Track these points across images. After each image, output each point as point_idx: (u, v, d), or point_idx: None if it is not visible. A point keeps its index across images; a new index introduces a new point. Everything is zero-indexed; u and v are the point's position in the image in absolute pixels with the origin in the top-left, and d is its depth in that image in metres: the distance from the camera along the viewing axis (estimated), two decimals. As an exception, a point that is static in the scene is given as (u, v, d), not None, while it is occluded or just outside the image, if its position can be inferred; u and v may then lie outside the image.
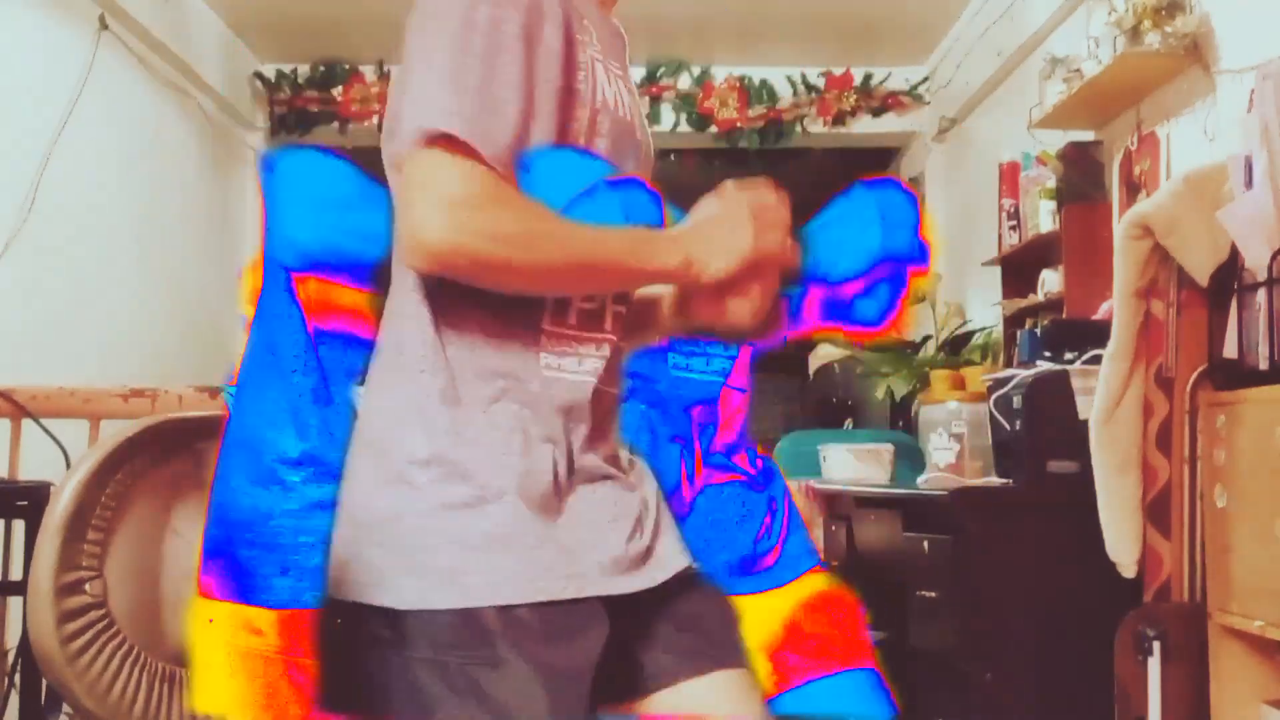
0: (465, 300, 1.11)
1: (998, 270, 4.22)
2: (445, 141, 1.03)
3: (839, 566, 3.59)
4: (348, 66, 5.47)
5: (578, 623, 1.08)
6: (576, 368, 1.15)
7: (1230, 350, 2.26)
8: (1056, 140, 3.77)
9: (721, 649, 1.22)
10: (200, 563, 1.14)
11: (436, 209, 1.02)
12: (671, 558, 1.20)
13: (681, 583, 1.20)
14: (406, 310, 1.14)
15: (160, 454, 1.74)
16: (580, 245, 1.08)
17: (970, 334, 4.38)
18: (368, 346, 1.19)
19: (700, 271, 1.12)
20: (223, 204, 5.34)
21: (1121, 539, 2.37)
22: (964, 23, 4.92)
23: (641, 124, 1.24)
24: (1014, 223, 4.06)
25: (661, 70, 5.33)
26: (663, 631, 1.19)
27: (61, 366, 3.54)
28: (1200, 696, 2.21)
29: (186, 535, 1.79)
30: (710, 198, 1.17)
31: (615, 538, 1.14)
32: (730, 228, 1.14)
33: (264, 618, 1.10)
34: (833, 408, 6.33)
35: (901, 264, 1.27)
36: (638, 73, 5.25)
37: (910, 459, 3.69)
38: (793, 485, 4.05)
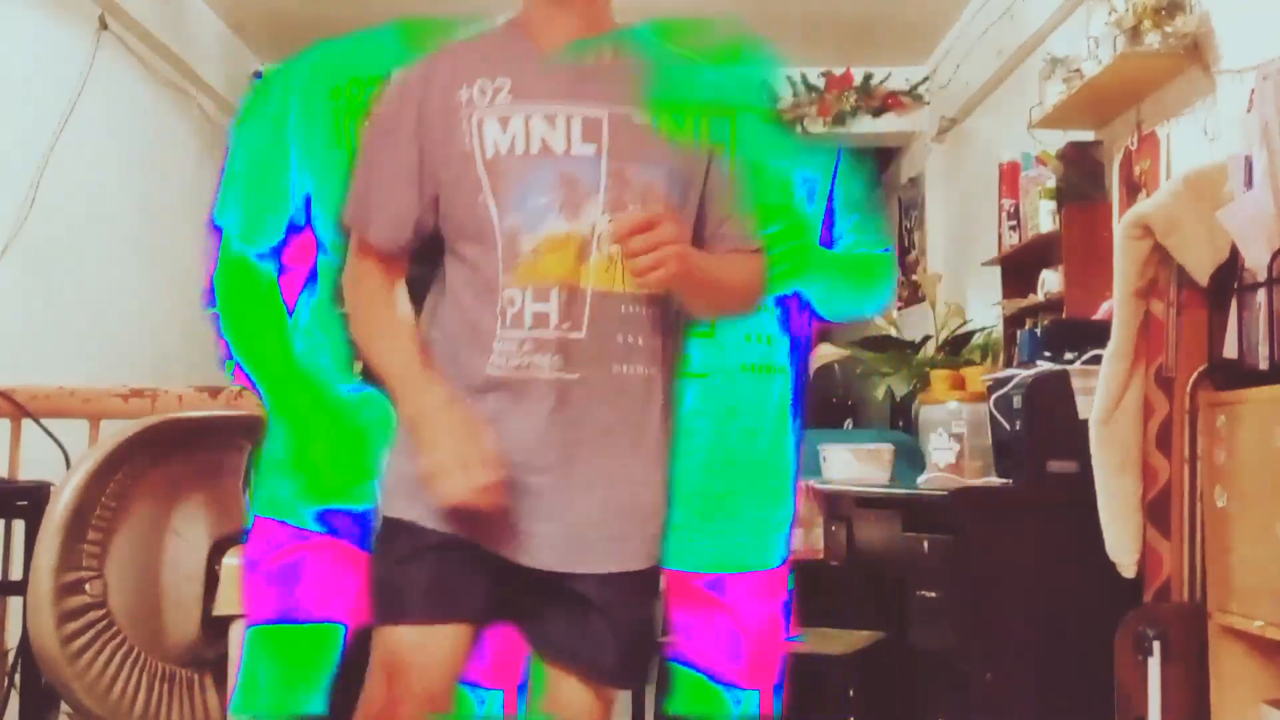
0: None
1: (998, 270, 4.22)
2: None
3: (839, 566, 3.59)
4: (348, 66, 5.47)
5: None
6: None
7: (1230, 350, 2.26)
8: (1056, 140, 3.77)
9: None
10: None
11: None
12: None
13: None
14: None
15: (160, 454, 1.74)
16: (366, 341, 1.57)
17: (970, 334, 4.38)
18: None
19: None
20: (223, 204, 5.34)
21: (1121, 539, 2.37)
22: (964, 23, 4.92)
23: (575, 138, 1.48)
24: (1014, 223, 4.06)
25: (661, 70, 5.32)
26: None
27: (61, 366, 3.54)
28: (1200, 696, 2.21)
29: (186, 535, 1.79)
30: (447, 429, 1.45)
31: None
32: (429, 447, 1.44)
33: None
34: (833, 408, 6.34)
35: None
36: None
37: (910, 459, 3.69)
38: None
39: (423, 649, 1.44)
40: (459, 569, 1.47)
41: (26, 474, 2.19)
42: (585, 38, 1.52)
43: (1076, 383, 2.63)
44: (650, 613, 1.60)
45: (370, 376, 1.65)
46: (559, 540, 1.48)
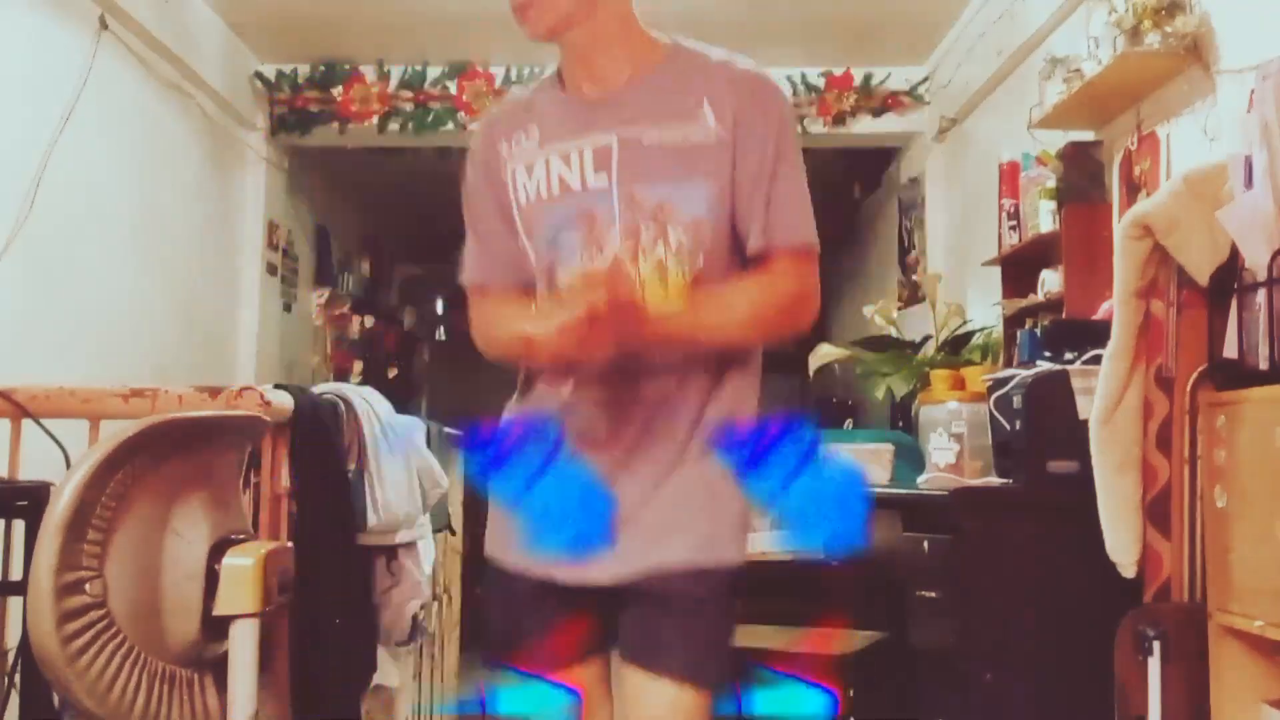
0: None
1: (998, 270, 4.21)
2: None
3: (839, 566, 3.59)
4: (348, 66, 5.47)
5: None
6: None
7: (1230, 350, 2.26)
8: (1056, 140, 3.76)
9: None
10: None
11: None
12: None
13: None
14: None
15: (160, 454, 1.74)
16: (497, 338, 1.61)
17: (970, 334, 4.38)
18: None
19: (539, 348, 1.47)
20: (223, 204, 5.34)
21: (1121, 539, 2.37)
22: (964, 23, 4.92)
23: (589, 170, 1.53)
24: (1014, 223, 4.06)
25: (661, 70, 5.32)
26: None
27: (61, 366, 3.53)
28: (1200, 696, 2.21)
29: (186, 535, 1.79)
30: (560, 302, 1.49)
31: None
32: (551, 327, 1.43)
33: None
34: (833, 408, 6.34)
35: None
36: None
37: (910, 459, 3.68)
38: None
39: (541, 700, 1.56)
40: (553, 622, 1.57)
41: (26, 474, 2.18)
42: (609, 80, 1.58)
43: (1076, 383, 2.63)
44: (719, 609, 1.56)
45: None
46: (622, 550, 1.52)
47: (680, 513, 1.53)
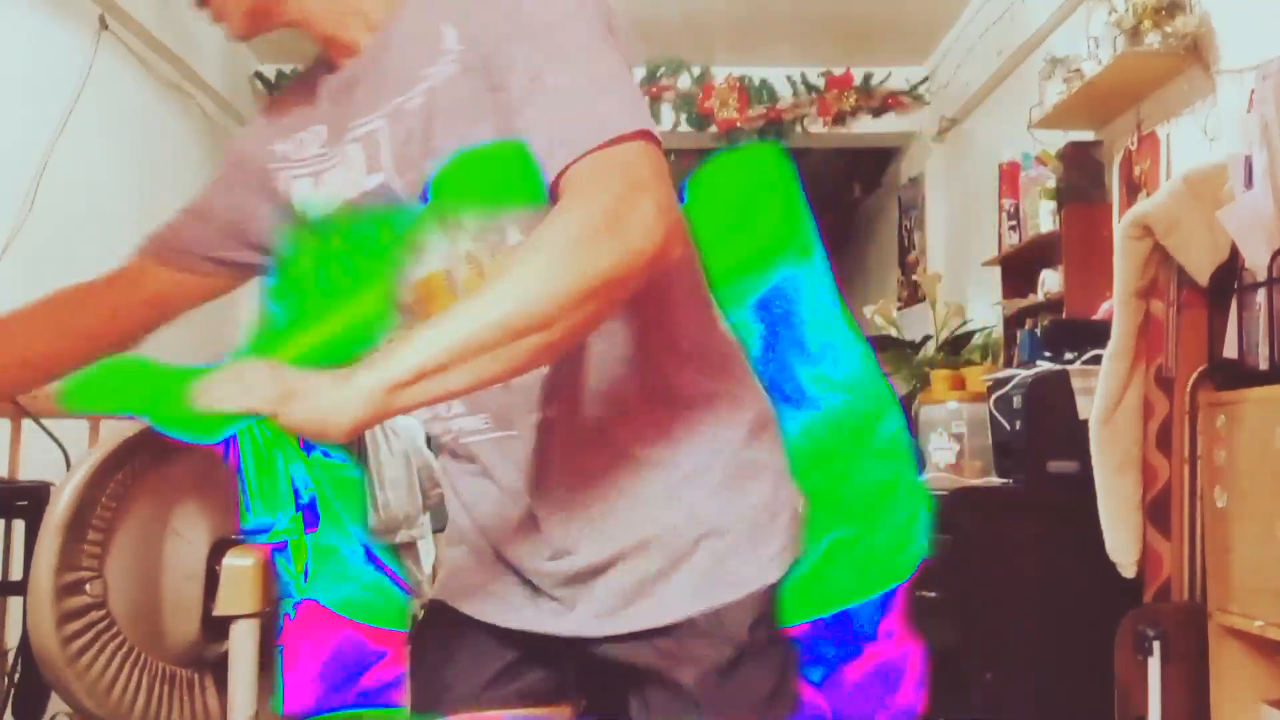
0: None
1: (998, 270, 4.22)
2: None
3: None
4: (348, 66, 5.48)
5: None
6: None
7: (1230, 350, 2.26)
8: (1056, 140, 3.77)
9: None
10: None
11: None
12: None
13: None
14: None
15: (160, 454, 1.74)
16: None
17: (970, 334, 4.38)
18: None
19: None
20: (223, 204, 5.35)
21: (1121, 539, 2.37)
22: (964, 23, 4.92)
23: (382, 148, 1.12)
24: (1014, 223, 4.06)
25: (661, 70, 5.33)
26: None
27: (61, 366, 3.53)
28: (1200, 696, 2.21)
29: (186, 535, 1.79)
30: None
31: None
32: None
33: None
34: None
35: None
36: (638, 72, 5.25)
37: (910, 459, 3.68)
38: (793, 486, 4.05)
39: None
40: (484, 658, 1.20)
41: (26, 474, 2.18)
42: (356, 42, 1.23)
43: (1076, 383, 2.63)
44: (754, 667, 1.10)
45: None
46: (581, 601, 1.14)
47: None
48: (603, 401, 1.10)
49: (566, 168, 0.95)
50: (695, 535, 1.10)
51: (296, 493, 1.23)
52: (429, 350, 0.90)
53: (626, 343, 1.10)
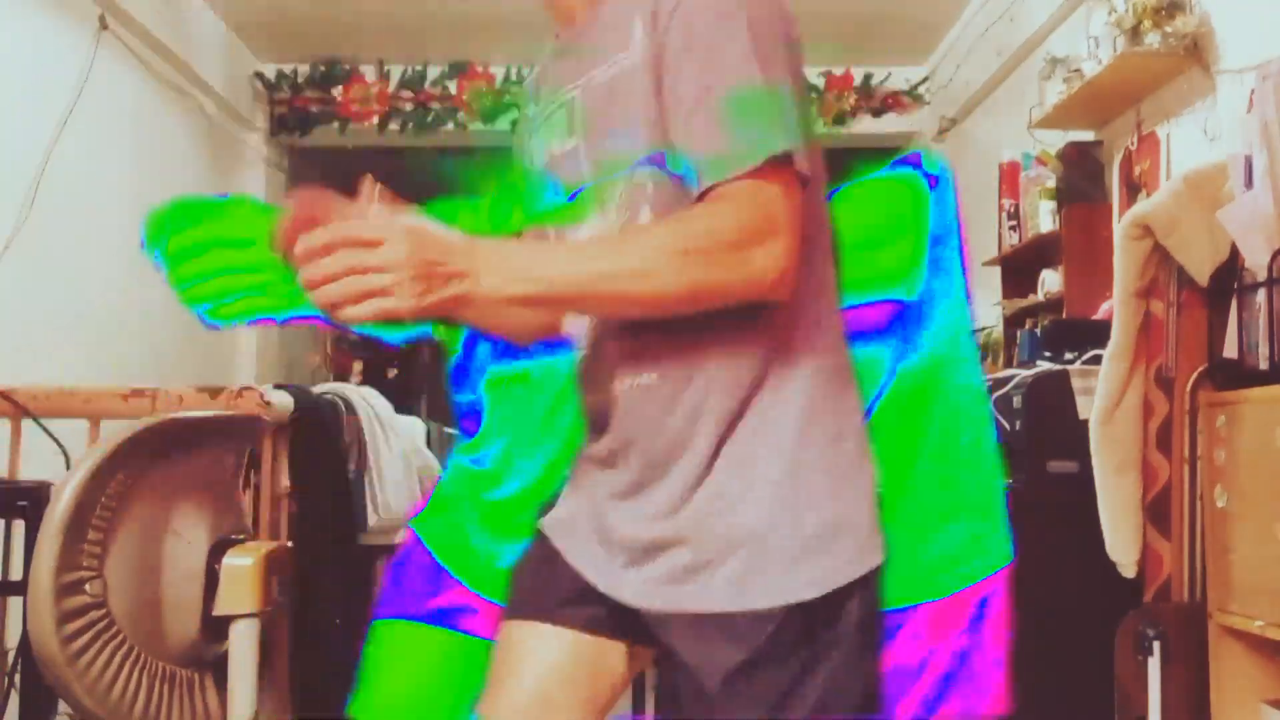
0: None
1: (998, 270, 4.22)
2: None
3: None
4: (348, 66, 5.47)
5: None
6: None
7: (1230, 350, 2.26)
8: (1056, 140, 3.77)
9: None
10: None
11: None
12: None
13: None
14: None
15: (160, 454, 1.74)
16: None
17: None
18: None
19: None
20: (223, 204, 5.34)
21: (1121, 539, 2.37)
22: (964, 23, 4.92)
23: (574, 116, 1.21)
24: (1014, 223, 4.06)
25: (662, 70, 5.32)
26: None
27: (61, 366, 3.53)
28: (1200, 696, 2.21)
29: (186, 535, 1.79)
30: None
31: None
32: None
33: None
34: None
35: None
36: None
37: (910, 459, 3.68)
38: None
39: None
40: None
41: (26, 474, 2.19)
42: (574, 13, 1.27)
43: (1076, 383, 2.63)
44: (769, 681, 1.10)
45: None
46: (629, 574, 1.19)
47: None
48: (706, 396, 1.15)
49: (715, 186, 1.05)
50: (747, 537, 1.12)
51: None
52: (540, 272, 1.04)
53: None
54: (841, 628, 1.12)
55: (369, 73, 5.48)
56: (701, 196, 1.05)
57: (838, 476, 1.15)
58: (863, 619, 1.13)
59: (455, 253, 1.01)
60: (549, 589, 1.27)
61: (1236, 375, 2.22)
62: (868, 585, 1.14)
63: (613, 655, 1.26)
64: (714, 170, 1.05)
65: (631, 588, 1.18)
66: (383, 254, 0.98)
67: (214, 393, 2.17)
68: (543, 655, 1.25)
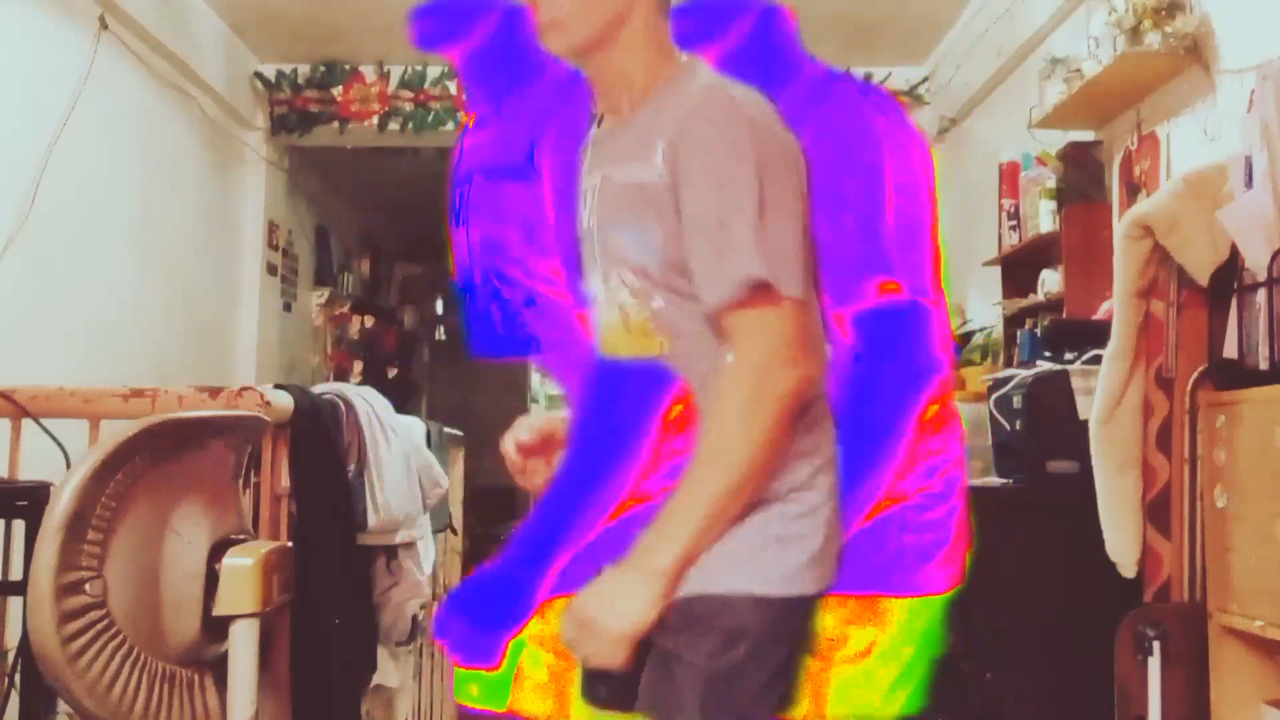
0: None
1: (998, 270, 4.22)
2: None
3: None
4: (348, 66, 5.47)
5: None
6: None
7: (1230, 350, 2.26)
8: (1056, 140, 3.77)
9: None
10: None
11: None
12: None
13: None
14: None
15: (160, 454, 1.74)
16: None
17: (970, 334, 4.38)
18: None
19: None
20: (223, 204, 5.34)
21: (1121, 539, 2.37)
22: (964, 23, 4.92)
23: (588, 210, 1.43)
24: (1014, 223, 4.06)
25: (661, 70, 5.32)
26: None
27: (61, 366, 3.53)
28: (1200, 696, 2.21)
29: (186, 535, 1.79)
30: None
31: None
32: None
33: None
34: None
35: None
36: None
37: (910, 459, 3.67)
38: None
39: None
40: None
41: (26, 474, 2.18)
42: (621, 106, 1.44)
43: (1076, 383, 2.63)
44: (719, 654, 1.30)
45: None
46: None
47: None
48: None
49: (725, 304, 1.28)
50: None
51: None
52: (683, 541, 1.26)
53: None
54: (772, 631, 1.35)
55: (369, 73, 5.48)
56: (716, 314, 1.29)
57: (805, 497, 1.37)
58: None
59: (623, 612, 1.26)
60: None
61: (1236, 375, 2.22)
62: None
63: None
64: (721, 291, 1.27)
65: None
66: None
67: (214, 393, 2.17)
68: None
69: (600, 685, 1.39)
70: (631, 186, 1.35)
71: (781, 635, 1.34)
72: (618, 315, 1.39)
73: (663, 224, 1.32)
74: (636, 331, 1.38)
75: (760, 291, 1.26)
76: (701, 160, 1.29)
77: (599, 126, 1.47)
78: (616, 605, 1.26)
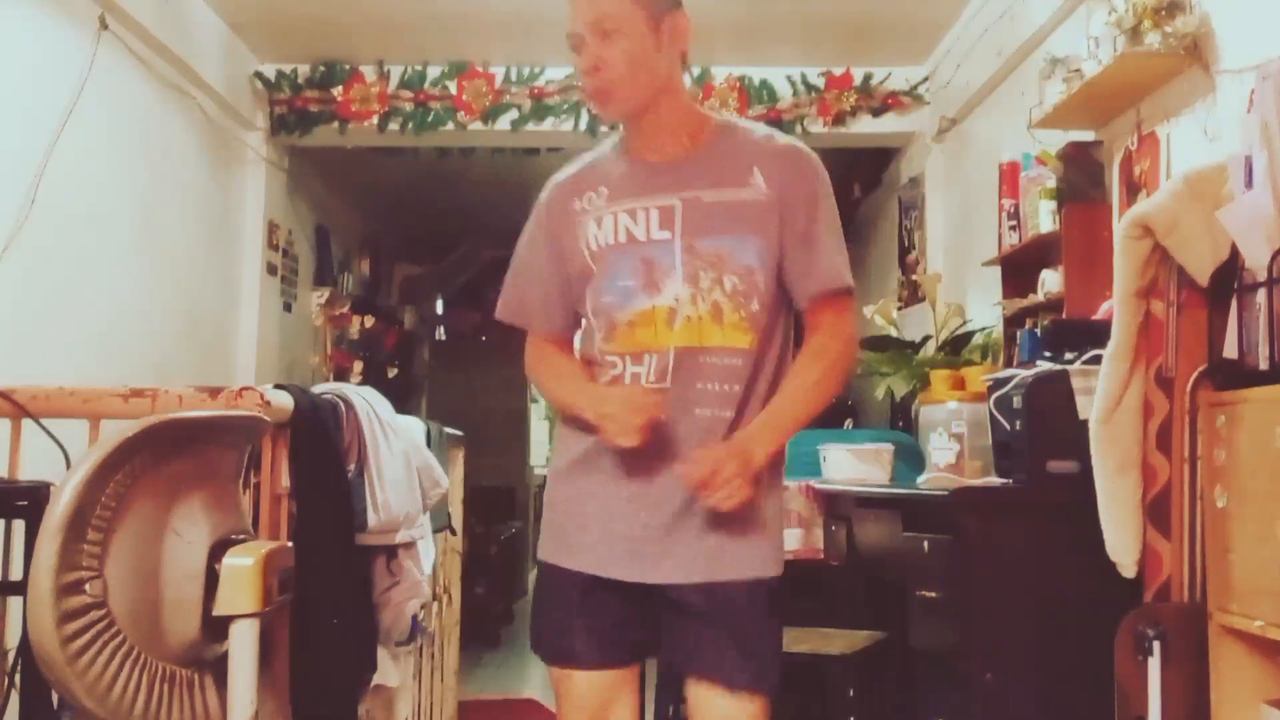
0: None
1: (998, 270, 4.21)
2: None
3: (839, 566, 3.59)
4: (348, 66, 5.47)
5: None
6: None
7: (1230, 350, 2.26)
8: (1056, 140, 3.76)
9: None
10: None
11: None
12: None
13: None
14: None
15: (160, 454, 1.74)
16: (546, 389, 1.99)
17: (970, 334, 4.38)
18: None
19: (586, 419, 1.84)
20: (223, 204, 5.34)
21: (1121, 539, 2.37)
22: (964, 23, 4.92)
23: (653, 226, 1.84)
24: (1014, 223, 4.06)
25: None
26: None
27: (61, 366, 3.53)
28: (1200, 696, 2.21)
29: (187, 535, 1.79)
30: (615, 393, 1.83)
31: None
32: (600, 404, 1.80)
33: None
34: (833, 407, 6.34)
35: None
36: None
37: (910, 459, 3.68)
38: (793, 485, 4.07)
39: (589, 689, 1.84)
40: (605, 614, 1.83)
41: (26, 474, 2.18)
42: (668, 151, 1.89)
43: (1076, 383, 2.63)
44: (761, 619, 1.81)
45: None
46: (669, 557, 1.80)
47: (733, 527, 1.80)
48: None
49: (818, 296, 1.86)
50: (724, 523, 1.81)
51: None
52: (789, 428, 1.84)
53: (770, 381, 1.87)
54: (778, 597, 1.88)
55: (369, 73, 5.48)
56: (809, 305, 1.88)
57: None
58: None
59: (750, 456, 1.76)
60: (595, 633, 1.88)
61: (1236, 375, 2.22)
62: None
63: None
64: (817, 285, 1.86)
65: (663, 571, 1.82)
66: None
67: (214, 393, 2.17)
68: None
69: (575, 639, 1.82)
70: (731, 204, 1.82)
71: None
72: (709, 315, 1.79)
73: (765, 235, 1.82)
74: (729, 329, 1.80)
75: (849, 292, 1.88)
76: (801, 187, 1.85)
77: (640, 161, 1.89)
78: (761, 446, 1.77)
